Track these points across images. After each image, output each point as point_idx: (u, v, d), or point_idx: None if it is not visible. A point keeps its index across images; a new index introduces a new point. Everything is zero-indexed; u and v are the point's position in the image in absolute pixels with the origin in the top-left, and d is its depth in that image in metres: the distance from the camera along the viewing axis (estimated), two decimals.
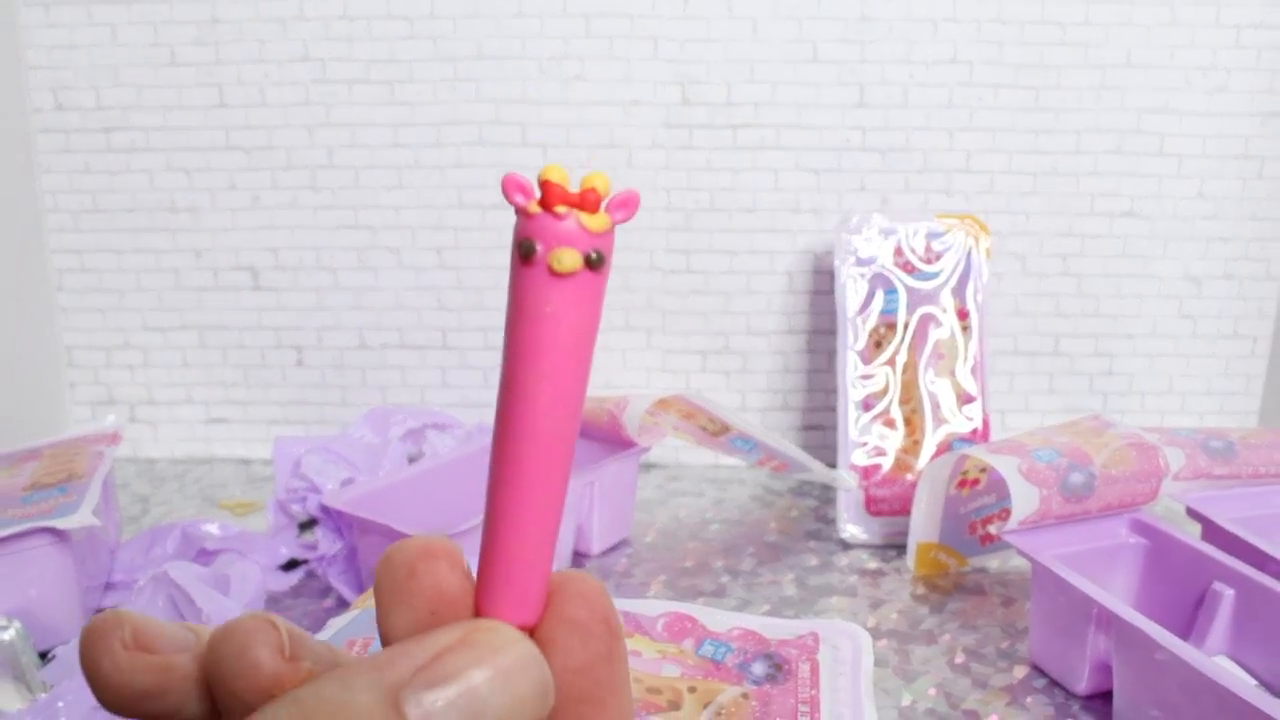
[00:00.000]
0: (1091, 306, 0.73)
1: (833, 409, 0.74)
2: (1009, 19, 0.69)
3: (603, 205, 0.17)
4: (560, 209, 0.16)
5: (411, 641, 0.17)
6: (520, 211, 0.17)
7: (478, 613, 0.18)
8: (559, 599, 0.18)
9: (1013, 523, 0.48)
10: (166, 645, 0.17)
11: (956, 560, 0.58)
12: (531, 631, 0.18)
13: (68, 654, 0.45)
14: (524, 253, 0.16)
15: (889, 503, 0.62)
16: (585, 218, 0.16)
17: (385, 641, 0.17)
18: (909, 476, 0.62)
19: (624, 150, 0.71)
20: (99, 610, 0.53)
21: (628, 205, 0.17)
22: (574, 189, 0.17)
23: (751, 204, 0.72)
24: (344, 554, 0.55)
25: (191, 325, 0.75)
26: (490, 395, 0.73)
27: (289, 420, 0.76)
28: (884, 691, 0.46)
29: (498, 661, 0.16)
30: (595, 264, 0.17)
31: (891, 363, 0.64)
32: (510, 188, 0.17)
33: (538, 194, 0.17)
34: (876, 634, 0.51)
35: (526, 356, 0.17)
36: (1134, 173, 0.71)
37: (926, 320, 0.64)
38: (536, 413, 0.17)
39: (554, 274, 0.16)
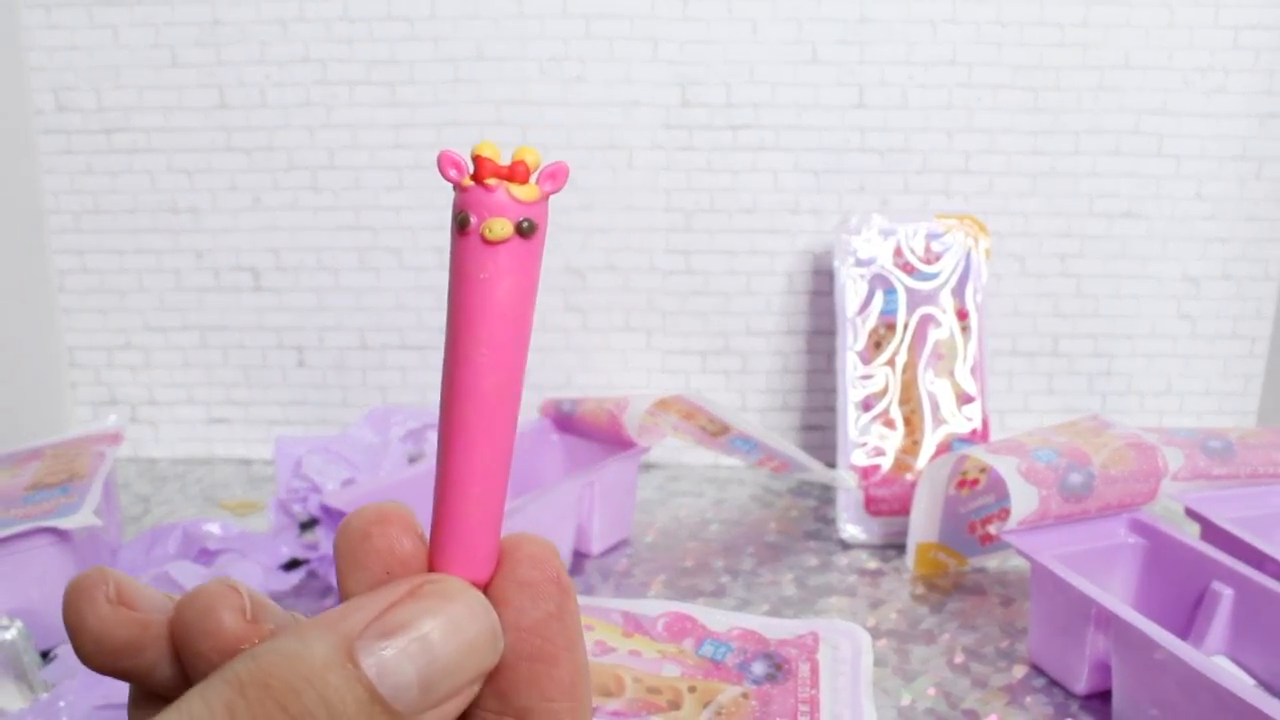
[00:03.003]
0: (1090, 307, 0.74)
1: (832, 409, 0.74)
2: (1008, 20, 0.69)
3: (533, 177, 0.18)
4: (491, 181, 0.17)
5: (364, 597, 0.17)
6: (456, 186, 0.18)
7: (430, 572, 0.18)
8: (510, 561, 0.19)
9: (1012, 523, 0.49)
10: (145, 605, 0.18)
11: (956, 560, 0.58)
12: (484, 591, 0.18)
13: (69, 654, 0.45)
14: (459, 223, 0.17)
15: (888, 503, 0.62)
16: (515, 188, 0.17)
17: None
18: (908, 476, 0.62)
19: (624, 151, 0.71)
20: None
21: (556, 176, 0.18)
22: (506, 163, 0.17)
23: (751, 205, 0.72)
24: None
25: (193, 326, 0.75)
26: None
27: (290, 420, 0.76)
28: (883, 691, 0.46)
29: (447, 610, 0.17)
30: (526, 232, 0.17)
31: (891, 363, 0.64)
32: (445, 164, 0.17)
33: (470, 169, 0.17)
34: (876, 634, 0.51)
35: (465, 322, 0.18)
36: (1133, 173, 0.71)
37: (926, 321, 0.64)
38: (477, 376, 0.18)
39: (487, 242, 0.17)
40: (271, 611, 0.18)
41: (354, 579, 0.18)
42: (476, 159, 0.17)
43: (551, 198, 0.18)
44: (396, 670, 0.16)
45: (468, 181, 0.17)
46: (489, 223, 0.17)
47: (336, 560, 0.18)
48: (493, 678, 0.18)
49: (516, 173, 0.17)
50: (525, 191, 0.17)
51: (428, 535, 0.19)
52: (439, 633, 0.17)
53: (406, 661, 0.16)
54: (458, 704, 0.17)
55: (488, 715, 0.18)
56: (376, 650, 0.16)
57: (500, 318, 0.18)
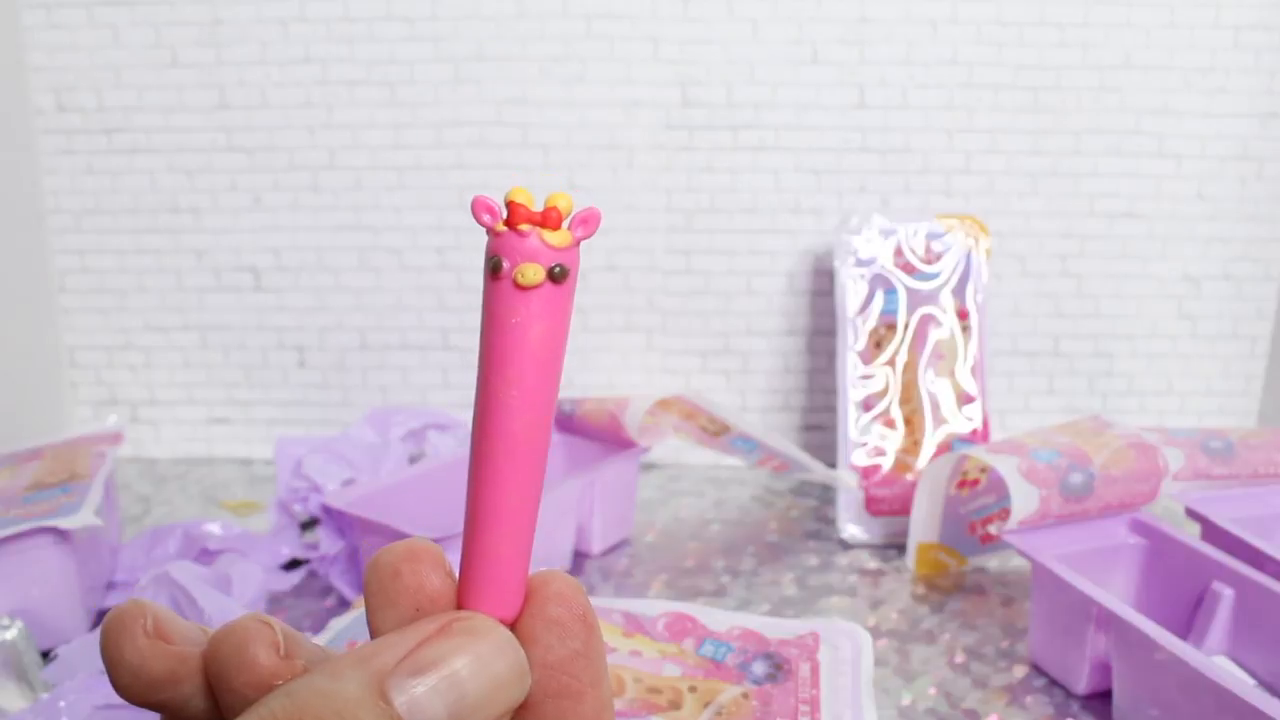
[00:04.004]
0: (1091, 307, 0.74)
1: (833, 409, 0.74)
2: (1008, 20, 0.69)
3: (565, 222, 0.18)
4: (524, 227, 0.18)
5: (395, 634, 0.17)
6: (489, 231, 0.18)
7: (459, 609, 0.19)
8: (537, 598, 0.19)
9: (1012, 523, 0.49)
10: (182, 638, 0.18)
11: (956, 560, 0.58)
12: (511, 628, 0.18)
13: (70, 653, 0.45)
14: (492, 268, 0.18)
15: (889, 503, 0.62)
16: (547, 234, 0.18)
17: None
18: (909, 476, 0.62)
19: (624, 151, 0.71)
20: (102, 611, 0.53)
21: (588, 222, 0.18)
22: (539, 208, 0.18)
23: (752, 205, 0.72)
24: (345, 554, 0.55)
25: (193, 326, 0.75)
26: None
27: (290, 420, 0.76)
28: (884, 691, 0.46)
29: (475, 648, 0.17)
30: (558, 277, 0.18)
31: (891, 363, 0.64)
32: (479, 209, 0.18)
33: (504, 214, 0.18)
34: (876, 634, 0.51)
35: (497, 364, 0.18)
36: (1133, 173, 0.71)
37: (926, 321, 0.64)
38: (507, 418, 0.18)
39: (519, 287, 0.18)
40: (303, 646, 0.18)
41: (384, 615, 0.18)
42: (510, 204, 0.18)
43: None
44: (427, 707, 0.16)
45: (501, 227, 0.18)
46: (521, 268, 0.17)
47: (366, 597, 0.19)
48: (519, 714, 0.18)
49: (549, 219, 0.18)
50: (558, 237, 0.18)
51: (456, 572, 0.19)
52: (468, 670, 0.17)
53: (437, 698, 0.16)
54: None
55: None
56: (408, 687, 0.16)
57: (532, 361, 0.18)
